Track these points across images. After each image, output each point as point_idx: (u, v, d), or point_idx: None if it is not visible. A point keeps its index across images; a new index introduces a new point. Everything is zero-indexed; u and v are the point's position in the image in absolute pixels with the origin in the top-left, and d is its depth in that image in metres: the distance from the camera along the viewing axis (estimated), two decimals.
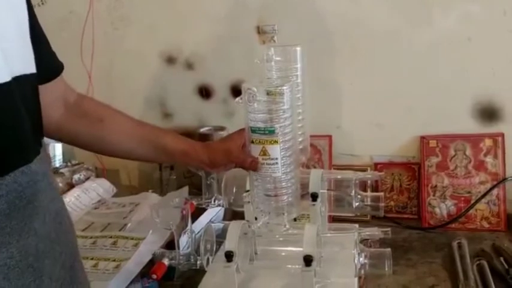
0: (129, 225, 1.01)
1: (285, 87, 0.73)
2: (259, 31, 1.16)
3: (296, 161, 0.76)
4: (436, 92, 1.08)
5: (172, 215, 0.93)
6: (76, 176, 1.16)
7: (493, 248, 0.95)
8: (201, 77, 1.23)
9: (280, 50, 0.86)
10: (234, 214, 1.11)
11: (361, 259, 0.74)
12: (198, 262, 0.83)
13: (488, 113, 1.06)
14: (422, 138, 1.09)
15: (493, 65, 1.04)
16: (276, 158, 0.72)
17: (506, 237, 1.00)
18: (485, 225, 1.04)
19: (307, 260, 0.71)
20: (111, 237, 0.98)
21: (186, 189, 1.05)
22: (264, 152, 0.72)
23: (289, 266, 0.82)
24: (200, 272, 0.90)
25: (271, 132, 0.71)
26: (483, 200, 1.03)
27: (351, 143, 1.15)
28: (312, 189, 0.85)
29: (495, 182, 1.03)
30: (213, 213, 1.07)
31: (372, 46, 1.10)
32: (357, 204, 0.87)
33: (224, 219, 1.10)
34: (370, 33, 1.10)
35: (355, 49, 1.11)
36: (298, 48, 0.86)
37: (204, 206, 1.00)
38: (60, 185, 1.15)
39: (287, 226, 0.77)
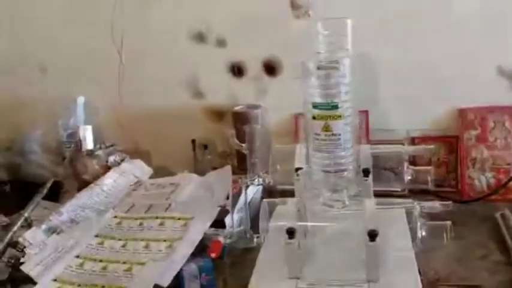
0: (173, 205, 1.01)
1: (346, 60, 0.72)
2: (293, 5, 1.14)
3: (355, 137, 0.75)
4: (473, 64, 1.08)
5: (222, 194, 0.93)
6: (111, 158, 1.15)
7: None
8: (232, 55, 1.21)
9: (329, 23, 0.85)
10: (270, 192, 1.12)
11: (423, 232, 0.75)
12: (255, 239, 0.83)
13: None
14: (460, 110, 1.09)
15: None
16: (339, 134, 0.72)
17: None
18: None
19: (372, 235, 0.72)
20: (157, 217, 0.98)
21: (229, 168, 1.04)
22: (327, 128, 0.72)
23: (343, 241, 0.84)
24: (249, 250, 0.91)
25: (335, 107, 0.71)
26: None
27: (387, 117, 1.15)
28: (363, 164, 0.85)
29: None
30: (253, 192, 1.08)
31: (406, 19, 1.09)
32: (409, 178, 0.87)
33: (262, 197, 1.11)
34: (404, 6, 1.08)
35: (389, 23, 1.10)
36: (349, 21, 0.84)
37: (248, 184, 1.00)
38: (97, 167, 1.14)
39: (347, 202, 0.77)
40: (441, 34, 1.08)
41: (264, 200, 0.84)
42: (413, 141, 1.14)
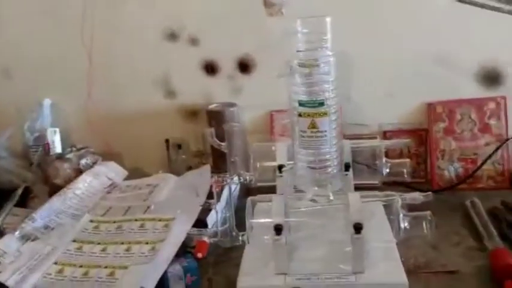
0: (152, 207, 1.00)
1: (328, 58, 0.73)
2: (266, 3, 1.14)
3: (340, 133, 0.77)
4: (441, 59, 1.12)
5: (204, 193, 0.93)
6: (83, 161, 1.12)
7: (503, 205, 1.01)
8: (205, 53, 1.20)
9: (308, 21, 0.86)
10: (247, 191, 1.12)
11: (406, 224, 0.78)
12: (240, 237, 0.83)
13: (491, 78, 1.11)
14: (429, 104, 1.14)
15: (496, 30, 1.09)
16: (325, 131, 0.73)
17: (511, 194, 1.07)
18: (492, 184, 1.10)
19: (357, 228, 0.74)
20: (136, 220, 0.96)
21: (208, 167, 1.04)
22: (313, 125, 0.73)
23: (327, 234, 0.86)
24: (232, 249, 0.91)
25: (321, 104, 0.72)
26: (489, 161, 1.09)
27: (360, 113, 1.18)
28: (344, 159, 0.87)
29: (499, 143, 1.09)
30: (232, 190, 1.07)
31: (378, 15, 1.12)
32: (387, 171, 0.90)
33: (239, 196, 1.11)
34: (372, 3, 1.12)
35: (362, 19, 1.13)
36: (328, 19, 0.86)
37: (228, 183, 1.00)
38: (68, 170, 1.11)
39: (331, 197, 0.79)
40: (411, 31, 1.12)
41: (249, 197, 0.84)
42: (385, 135, 1.17)
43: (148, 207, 1.00)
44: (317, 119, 0.72)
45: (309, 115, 0.72)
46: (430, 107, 1.13)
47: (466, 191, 1.09)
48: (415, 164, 1.16)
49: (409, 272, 0.83)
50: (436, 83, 1.13)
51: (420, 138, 1.16)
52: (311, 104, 0.71)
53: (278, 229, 0.75)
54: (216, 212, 0.86)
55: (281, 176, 0.88)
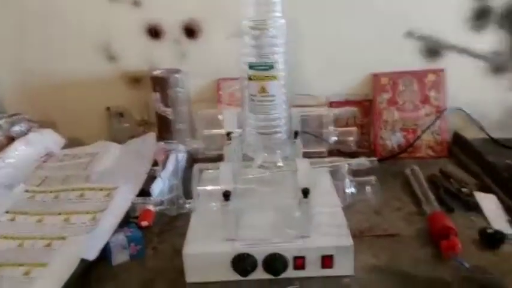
0: (93, 176, 0.95)
1: (278, 22, 0.72)
2: None
3: (289, 98, 0.76)
4: (386, 31, 1.14)
5: (147, 161, 0.90)
6: (16, 128, 1.05)
7: (441, 173, 1.06)
8: (149, 16, 1.14)
9: None
10: (194, 160, 1.10)
11: (352, 189, 0.79)
12: (187, 206, 0.82)
13: (432, 50, 1.15)
14: (374, 75, 1.16)
15: (436, 5, 1.12)
16: (275, 95, 0.72)
17: (449, 162, 1.12)
18: (430, 153, 1.15)
19: (305, 192, 0.74)
20: (74, 189, 0.91)
21: (153, 134, 1.00)
22: (263, 89, 0.72)
23: (275, 200, 0.86)
24: (176, 218, 0.89)
25: (271, 67, 0.70)
26: (428, 131, 1.14)
27: (307, 83, 1.18)
28: (294, 127, 0.86)
29: (438, 114, 1.14)
30: (178, 158, 1.05)
31: None
32: (335, 139, 0.91)
33: (186, 164, 1.09)
34: None
35: None
36: None
37: (173, 151, 0.97)
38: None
39: (280, 164, 0.78)
40: (360, 2, 1.12)
41: (196, 164, 0.82)
42: (331, 105, 1.18)
43: (88, 176, 0.96)
44: (267, 82, 0.71)
45: (258, 78, 0.71)
46: (375, 78, 1.16)
47: (406, 160, 1.13)
48: (360, 134, 1.18)
49: (353, 236, 0.85)
50: (381, 55, 1.15)
51: (365, 109, 1.18)
52: (261, 67, 0.70)
53: (226, 195, 0.74)
54: (162, 180, 0.83)
55: (229, 143, 0.86)
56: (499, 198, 0.93)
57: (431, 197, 0.94)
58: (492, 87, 1.17)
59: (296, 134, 0.85)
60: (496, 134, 1.16)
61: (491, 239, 0.80)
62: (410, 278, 0.75)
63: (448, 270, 0.75)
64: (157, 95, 0.89)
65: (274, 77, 0.71)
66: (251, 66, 0.70)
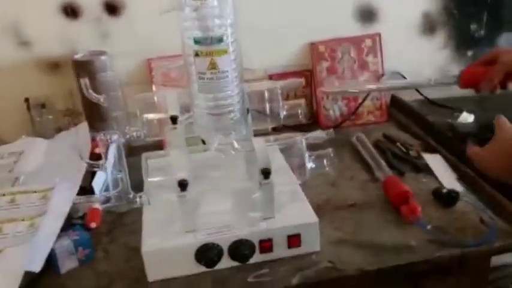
0: (22, 178, 0.84)
1: None
2: None
3: (241, 74, 0.71)
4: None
5: (85, 155, 0.80)
6: None
7: (385, 137, 1.07)
8: None
9: None
10: (130, 149, 1.01)
11: (311, 164, 0.76)
12: (138, 200, 0.74)
13: (367, 15, 1.14)
14: (312, 44, 1.13)
15: None
16: (227, 71, 0.66)
17: (390, 126, 1.14)
18: (372, 119, 1.16)
19: (266, 173, 0.70)
20: (4, 194, 0.80)
21: (85, 124, 0.90)
22: (213, 65, 0.66)
23: (231, 184, 0.81)
24: (123, 214, 0.82)
25: (220, 40, 0.64)
26: (368, 97, 1.14)
27: (245, 57, 1.12)
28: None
29: (376, 79, 1.14)
30: (120, 148, 0.96)
31: None
32: (284, 113, 0.87)
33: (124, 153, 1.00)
34: None
35: None
36: None
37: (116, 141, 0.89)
38: None
39: (236, 145, 0.74)
40: None
41: (144, 154, 0.75)
42: (270, 78, 1.14)
43: (16, 178, 0.84)
44: (217, 57, 0.65)
45: (207, 54, 0.64)
46: (313, 46, 1.13)
47: (350, 128, 1.14)
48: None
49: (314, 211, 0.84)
50: (317, 22, 1.12)
51: (306, 79, 1.16)
52: (209, 41, 0.63)
53: (183, 185, 0.68)
54: (104, 174, 0.75)
55: (175, 128, 0.80)
56: (444, 158, 0.96)
57: (381, 162, 0.95)
58: (425, 48, 1.20)
59: (247, 111, 0.81)
60: (432, 95, 1.19)
61: (446, 199, 0.82)
62: (377, 246, 0.75)
63: (412, 234, 0.76)
64: (86, 81, 0.80)
65: (224, 51, 0.65)
66: (197, 41, 0.64)
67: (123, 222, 0.84)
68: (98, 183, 0.82)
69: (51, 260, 0.71)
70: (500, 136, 0.68)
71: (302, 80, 0.90)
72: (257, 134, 0.95)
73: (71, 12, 1.04)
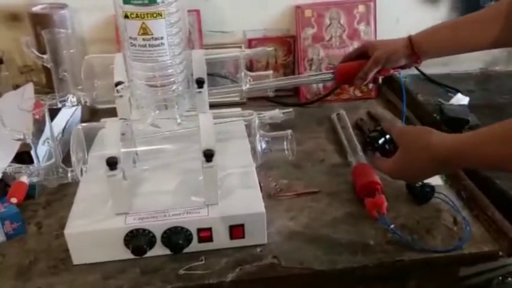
0: None
1: None
2: None
3: (184, 41, 0.61)
4: None
5: (21, 121, 0.73)
6: None
7: (369, 116, 0.98)
8: None
9: None
10: (93, 112, 0.94)
11: (263, 145, 0.68)
12: (69, 174, 0.68)
13: None
14: (297, 7, 1.02)
15: None
16: (162, 37, 0.57)
17: (378, 104, 1.04)
18: (358, 94, 1.05)
19: (208, 155, 0.62)
20: None
21: (30, 86, 0.82)
22: (145, 30, 0.56)
23: (179, 163, 0.73)
24: (67, 186, 0.75)
25: (152, 1, 0.55)
26: None
27: (221, 18, 1.02)
28: (196, 74, 0.72)
29: None
30: (69, 114, 0.89)
31: None
32: (247, 86, 0.78)
33: (82, 120, 0.93)
34: None
35: None
36: None
37: (59, 106, 0.81)
38: None
39: (179, 120, 0.65)
40: None
41: (79, 124, 0.67)
42: (250, 43, 1.04)
43: None
44: (149, 21, 0.55)
45: (138, 16, 0.55)
46: (298, 10, 1.02)
47: (333, 103, 1.04)
48: (283, 76, 1.06)
49: (269, 197, 0.76)
50: None
51: (288, 46, 1.05)
52: (139, 1, 0.54)
53: (112, 163, 0.61)
54: (34, 145, 0.68)
55: (120, 95, 0.71)
56: None
57: (357, 145, 0.86)
58: (425, 18, 1.07)
59: (200, 82, 0.72)
60: (430, 70, 1.07)
61: (419, 194, 0.73)
62: (332, 242, 0.67)
63: (373, 232, 0.68)
64: (27, 38, 0.72)
65: (159, 14, 0.55)
66: (126, 0, 0.54)
67: (65, 192, 0.77)
68: (38, 153, 0.75)
69: None
70: (405, 144, 0.63)
71: (272, 49, 0.80)
72: (223, 105, 0.88)
73: None
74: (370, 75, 0.81)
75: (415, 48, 0.78)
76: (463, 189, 0.75)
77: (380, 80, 0.85)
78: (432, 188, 0.73)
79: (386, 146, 0.67)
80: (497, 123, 0.52)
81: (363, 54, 0.83)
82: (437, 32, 0.79)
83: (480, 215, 0.70)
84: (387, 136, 0.67)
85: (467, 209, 0.72)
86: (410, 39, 0.79)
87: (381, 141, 0.67)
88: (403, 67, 0.84)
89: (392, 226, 0.67)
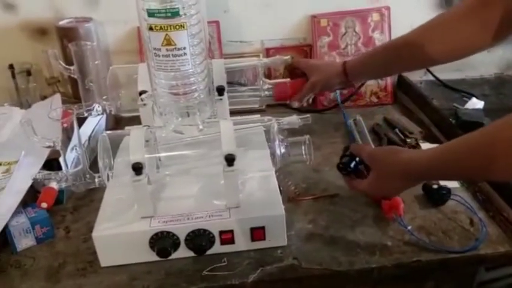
0: None
1: None
2: None
3: (205, 51, 0.64)
4: None
5: (50, 130, 0.77)
6: None
7: (385, 121, 0.99)
8: None
9: None
10: (117, 121, 0.98)
11: (282, 150, 0.70)
12: (96, 180, 0.71)
13: None
14: (313, 17, 1.04)
15: None
16: (184, 48, 0.60)
17: (394, 109, 1.05)
18: (375, 100, 1.07)
19: (230, 159, 0.65)
20: None
21: (58, 96, 0.86)
22: (168, 41, 0.59)
23: (201, 168, 0.76)
24: (94, 191, 0.78)
25: (175, 13, 0.58)
26: None
27: (240, 28, 1.05)
28: (217, 82, 0.75)
29: None
30: (94, 123, 0.92)
31: None
32: (266, 93, 0.80)
33: (107, 128, 0.97)
34: None
35: None
36: None
37: (86, 115, 0.85)
38: None
39: (201, 127, 0.68)
40: None
41: (105, 132, 0.70)
42: (268, 52, 1.07)
43: None
44: (172, 33, 0.58)
45: (161, 28, 0.58)
46: (314, 20, 1.04)
47: (350, 109, 1.05)
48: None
49: (289, 201, 0.78)
50: None
51: (305, 54, 1.08)
52: (163, 14, 0.57)
53: (137, 168, 0.64)
54: (63, 152, 0.71)
55: (144, 104, 0.75)
56: None
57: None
58: None
59: (221, 90, 0.75)
60: (443, 75, 1.09)
61: (435, 196, 0.74)
62: (350, 244, 0.68)
63: (390, 233, 0.70)
64: (54, 51, 0.76)
65: (181, 26, 0.58)
66: (151, 14, 0.58)
67: (92, 198, 0.80)
68: (66, 159, 0.78)
69: (5, 237, 0.69)
70: (377, 166, 0.67)
71: (288, 57, 0.82)
72: (243, 112, 0.90)
73: None
74: (305, 99, 0.89)
75: (348, 75, 0.84)
76: (478, 190, 0.76)
77: (311, 100, 0.93)
78: (448, 190, 0.74)
79: (359, 167, 0.71)
80: (461, 137, 0.56)
81: (300, 72, 0.89)
82: (368, 57, 0.84)
83: (496, 216, 0.71)
84: (357, 159, 0.71)
85: (483, 210, 0.73)
86: (344, 66, 0.84)
87: (352, 164, 0.71)
88: (339, 89, 0.94)
89: (409, 227, 0.69)
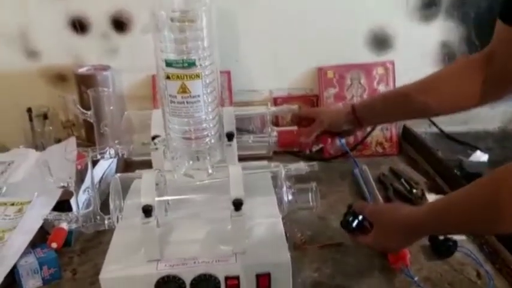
0: (4, 188, 0.84)
1: (202, 10, 0.63)
2: None
3: (217, 99, 0.67)
4: (331, 23, 1.07)
5: (64, 171, 0.79)
6: None
7: (391, 172, 1.01)
8: (72, 7, 1.03)
9: None
10: (127, 164, 1.00)
11: (289, 196, 0.71)
12: (106, 222, 0.72)
13: (380, 42, 1.08)
14: (320, 69, 1.09)
15: None
16: (198, 96, 0.63)
17: (399, 160, 1.07)
18: (380, 150, 1.09)
19: (237, 204, 0.66)
20: None
21: (73, 140, 0.89)
22: (184, 89, 0.62)
23: (209, 213, 0.77)
24: (102, 233, 0.79)
25: (192, 64, 0.61)
26: (377, 127, 1.07)
27: (250, 78, 1.09)
28: (226, 128, 0.78)
29: None
30: (105, 166, 0.95)
31: None
32: (273, 140, 0.83)
33: (117, 171, 0.99)
34: None
35: None
36: None
37: (99, 158, 0.88)
38: None
39: (210, 171, 0.70)
40: None
41: (116, 174, 0.72)
42: (275, 101, 1.11)
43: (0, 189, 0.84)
44: (188, 81, 0.62)
45: (178, 77, 0.62)
46: (321, 72, 1.08)
47: (356, 159, 1.07)
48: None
49: (295, 248, 0.78)
50: (325, 47, 1.08)
51: (311, 104, 1.11)
52: (180, 64, 0.61)
53: (147, 211, 0.65)
54: (76, 193, 0.73)
55: (156, 148, 0.77)
56: None
57: (380, 199, 0.88)
58: None
59: (230, 135, 0.77)
60: (448, 128, 1.11)
61: (441, 248, 0.74)
62: None
63: (396, 284, 0.69)
64: (73, 97, 0.80)
65: (196, 76, 0.62)
66: (168, 63, 0.61)
67: (99, 240, 0.81)
68: (77, 201, 0.80)
69: (13, 276, 0.69)
70: (380, 222, 0.69)
71: (296, 107, 0.85)
72: (251, 158, 0.92)
73: (79, 26, 1.05)
74: (314, 135, 0.89)
75: (357, 114, 0.86)
76: (485, 243, 0.76)
77: (313, 148, 0.95)
78: (455, 242, 0.74)
79: (364, 223, 0.72)
80: (461, 190, 0.58)
81: (309, 120, 0.91)
82: (374, 101, 0.88)
83: (503, 268, 0.71)
84: (360, 217, 0.73)
85: (489, 262, 0.73)
86: (353, 106, 0.87)
87: (355, 223, 0.73)
88: (347, 133, 0.93)
89: (416, 278, 0.69)
